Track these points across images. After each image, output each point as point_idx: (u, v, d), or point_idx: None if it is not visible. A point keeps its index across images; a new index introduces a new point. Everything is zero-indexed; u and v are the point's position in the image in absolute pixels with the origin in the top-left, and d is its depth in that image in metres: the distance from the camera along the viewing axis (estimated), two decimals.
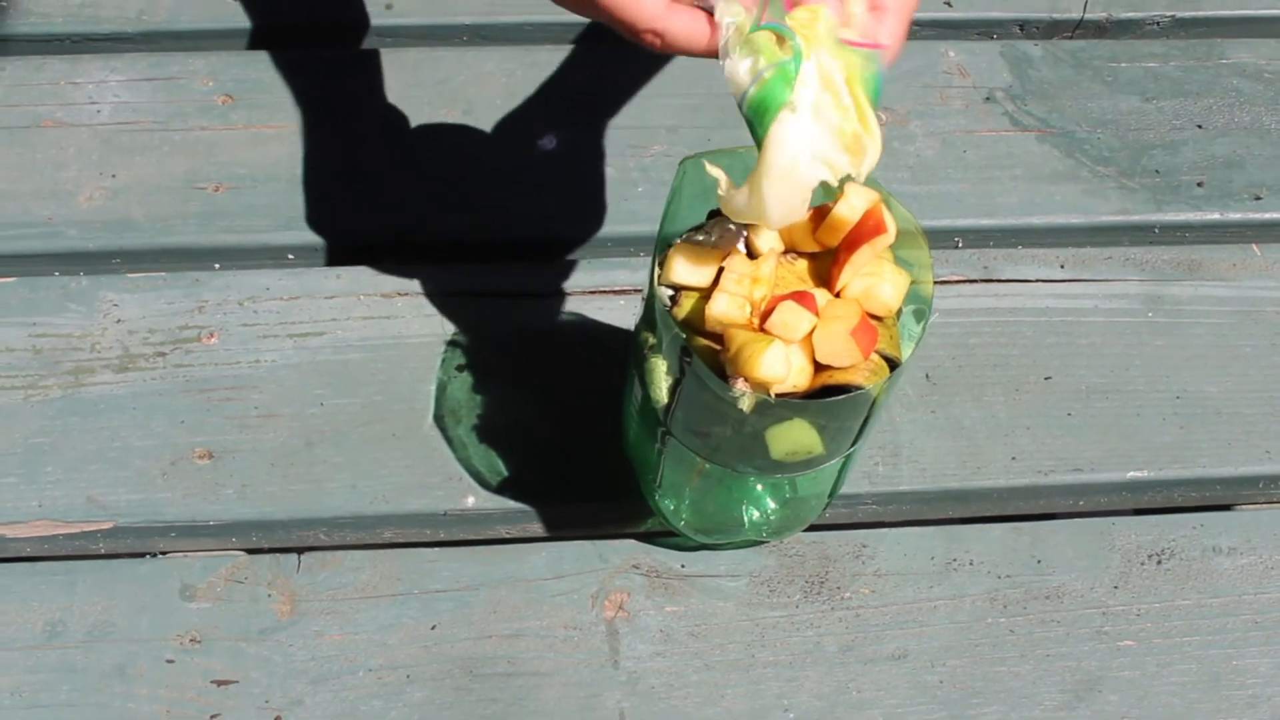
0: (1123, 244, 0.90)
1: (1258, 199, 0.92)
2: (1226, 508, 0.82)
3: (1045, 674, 0.75)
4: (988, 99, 0.96)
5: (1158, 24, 1.02)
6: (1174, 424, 0.83)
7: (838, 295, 0.60)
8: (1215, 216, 0.92)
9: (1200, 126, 0.95)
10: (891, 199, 0.60)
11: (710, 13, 0.56)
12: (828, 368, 0.58)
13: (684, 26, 0.56)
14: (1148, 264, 0.89)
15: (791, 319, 0.57)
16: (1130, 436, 0.82)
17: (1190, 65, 0.99)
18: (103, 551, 0.76)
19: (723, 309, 0.58)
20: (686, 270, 0.60)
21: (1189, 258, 0.90)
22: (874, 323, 0.59)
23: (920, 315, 0.62)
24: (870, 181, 0.58)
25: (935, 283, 0.61)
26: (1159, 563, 0.79)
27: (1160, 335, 0.86)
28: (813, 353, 0.57)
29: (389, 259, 0.86)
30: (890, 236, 0.59)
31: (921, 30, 1.00)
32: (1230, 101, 0.97)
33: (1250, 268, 0.90)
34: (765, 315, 0.57)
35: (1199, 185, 0.92)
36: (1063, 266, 0.88)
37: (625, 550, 0.77)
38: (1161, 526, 0.80)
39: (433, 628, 0.74)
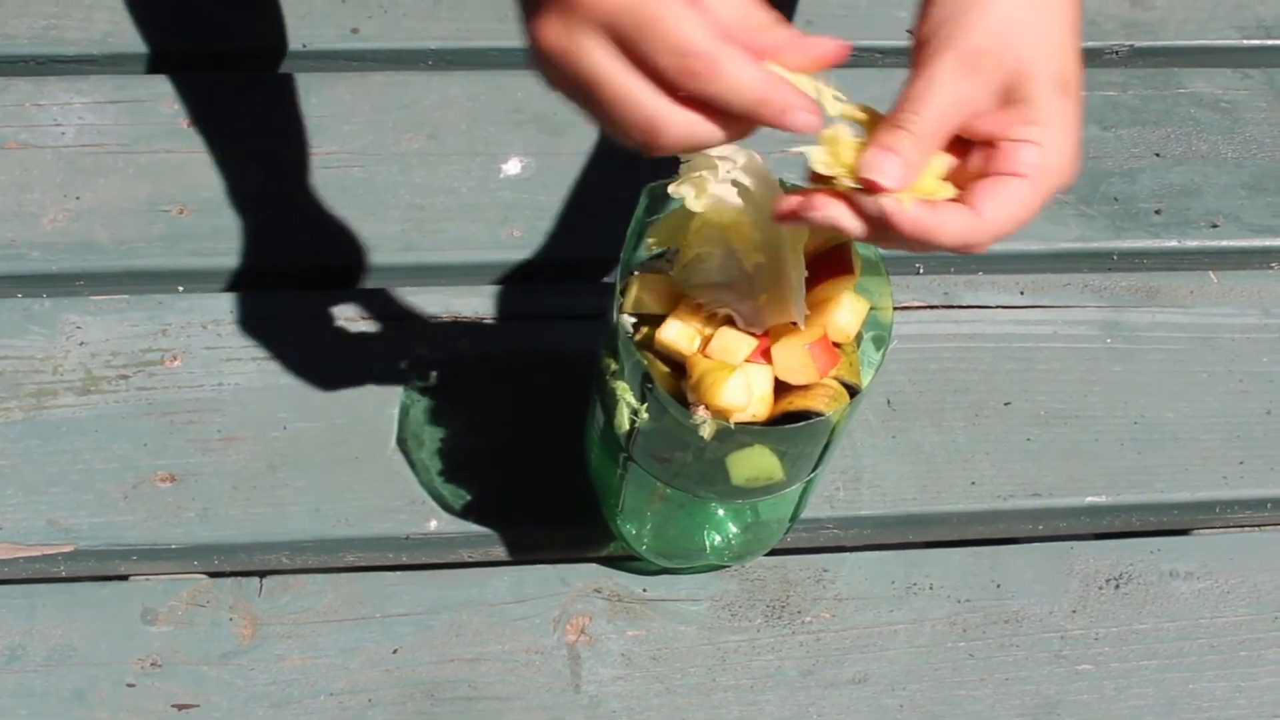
0: (1082, 270, 0.91)
1: (1215, 226, 0.93)
2: (1184, 533, 0.83)
3: (1004, 697, 0.75)
4: None
5: (1116, 53, 1.03)
6: (1132, 449, 0.84)
7: None
8: (1173, 244, 0.92)
9: (1158, 155, 0.97)
10: None
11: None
12: (788, 393, 0.58)
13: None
14: (1106, 290, 0.90)
15: (730, 343, 0.57)
16: (1089, 462, 0.83)
17: (1148, 94, 1.00)
18: (63, 574, 0.76)
19: (672, 336, 0.58)
20: (648, 298, 0.60)
21: (1147, 284, 0.91)
22: (834, 348, 0.59)
23: (880, 342, 0.62)
24: None
25: (896, 308, 0.62)
26: (1117, 587, 0.79)
27: (1119, 361, 0.87)
28: (773, 383, 0.58)
29: (353, 282, 0.86)
30: (855, 279, 0.59)
31: (885, 58, 1.00)
32: (1188, 130, 0.98)
33: (1207, 295, 0.91)
34: (706, 342, 0.58)
35: (1157, 213, 0.93)
36: (1022, 293, 0.89)
37: (587, 574, 0.77)
38: (1119, 551, 0.81)
39: (394, 651, 0.74)
